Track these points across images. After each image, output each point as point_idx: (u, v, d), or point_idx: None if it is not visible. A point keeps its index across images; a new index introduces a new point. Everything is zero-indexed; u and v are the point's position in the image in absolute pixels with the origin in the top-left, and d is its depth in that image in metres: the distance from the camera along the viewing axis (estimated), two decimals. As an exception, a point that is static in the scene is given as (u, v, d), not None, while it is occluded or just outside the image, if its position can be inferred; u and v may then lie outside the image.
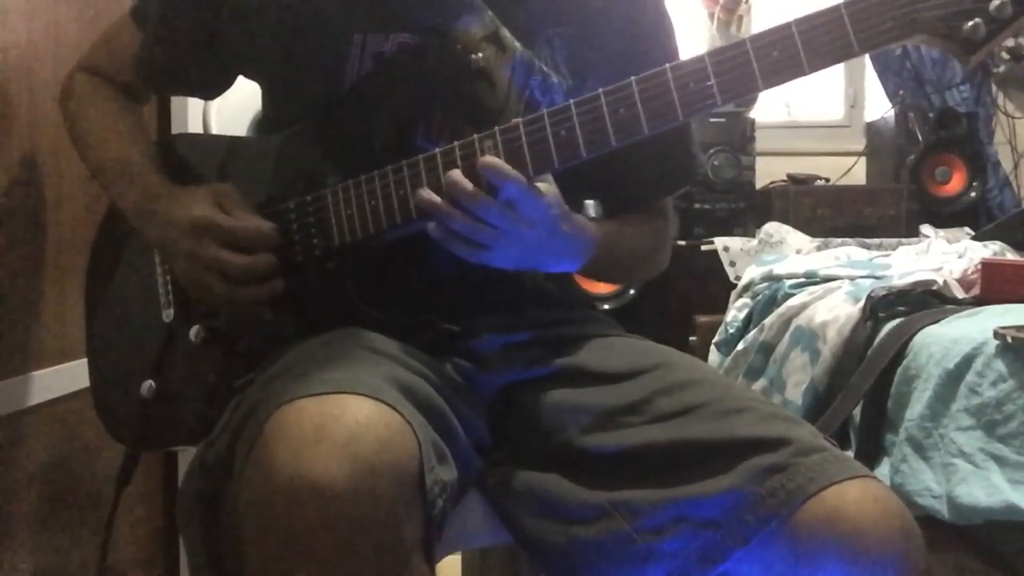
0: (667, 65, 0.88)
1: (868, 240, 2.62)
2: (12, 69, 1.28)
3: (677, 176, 1.18)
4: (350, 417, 0.75)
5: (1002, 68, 3.02)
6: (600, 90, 0.90)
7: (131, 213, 1.10)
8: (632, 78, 0.89)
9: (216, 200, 1.02)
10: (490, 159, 0.90)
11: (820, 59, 0.85)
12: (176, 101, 1.74)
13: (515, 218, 0.91)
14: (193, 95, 1.38)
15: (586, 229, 1.01)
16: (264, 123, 1.18)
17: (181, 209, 1.02)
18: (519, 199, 0.90)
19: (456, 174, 0.91)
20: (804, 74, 0.86)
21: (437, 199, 0.92)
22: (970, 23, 0.83)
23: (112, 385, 1.15)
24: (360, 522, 0.71)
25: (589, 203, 1.18)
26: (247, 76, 1.17)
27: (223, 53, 1.12)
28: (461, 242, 0.92)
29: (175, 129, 1.73)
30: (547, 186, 0.93)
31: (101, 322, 1.18)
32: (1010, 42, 2.66)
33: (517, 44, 1.04)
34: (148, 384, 1.09)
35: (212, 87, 1.22)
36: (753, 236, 2.69)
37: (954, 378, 1.43)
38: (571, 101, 0.91)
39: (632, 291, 2.59)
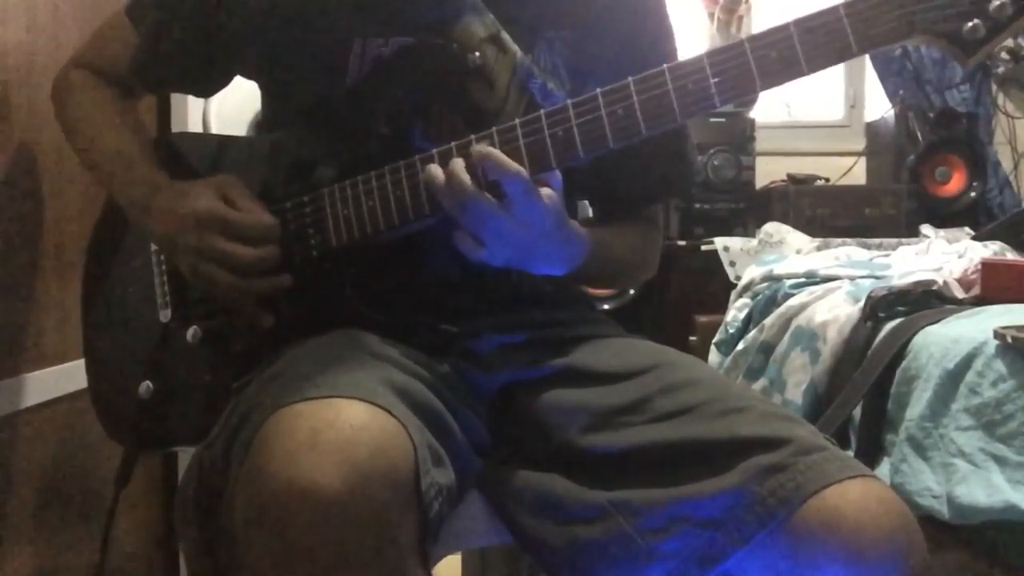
0: (665, 66, 0.88)
1: (868, 240, 2.62)
2: (12, 68, 1.28)
3: (671, 183, 1.19)
4: (344, 422, 0.74)
5: (1002, 68, 3.02)
6: (598, 90, 0.90)
7: (131, 207, 1.09)
8: (630, 78, 0.89)
9: (220, 192, 1.01)
10: (488, 150, 0.89)
11: (819, 59, 0.85)
12: (176, 101, 1.74)
13: (508, 217, 0.90)
14: (189, 92, 1.37)
15: (579, 237, 1.00)
16: (263, 123, 1.17)
17: (185, 202, 1.00)
18: (516, 198, 0.90)
19: (458, 164, 0.90)
20: (803, 75, 0.86)
21: (440, 178, 0.90)
22: (969, 24, 0.83)
23: (110, 386, 1.15)
24: (355, 527, 0.71)
25: (583, 203, 1.18)
26: (244, 76, 1.16)
27: (221, 51, 1.11)
28: (460, 235, 0.92)
29: (175, 128, 1.73)
30: (548, 191, 0.92)
31: (99, 323, 1.18)
32: (1010, 42, 2.66)
33: (517, 48, 1.03)
34: (146, 385, 1.09)
35: (208, 85, 1.21)
36: (753, 236, 2.69)
37: (954, 378, 1.43)
38: (568, 101, 0.90)
39: (632, 291, 2.59)
